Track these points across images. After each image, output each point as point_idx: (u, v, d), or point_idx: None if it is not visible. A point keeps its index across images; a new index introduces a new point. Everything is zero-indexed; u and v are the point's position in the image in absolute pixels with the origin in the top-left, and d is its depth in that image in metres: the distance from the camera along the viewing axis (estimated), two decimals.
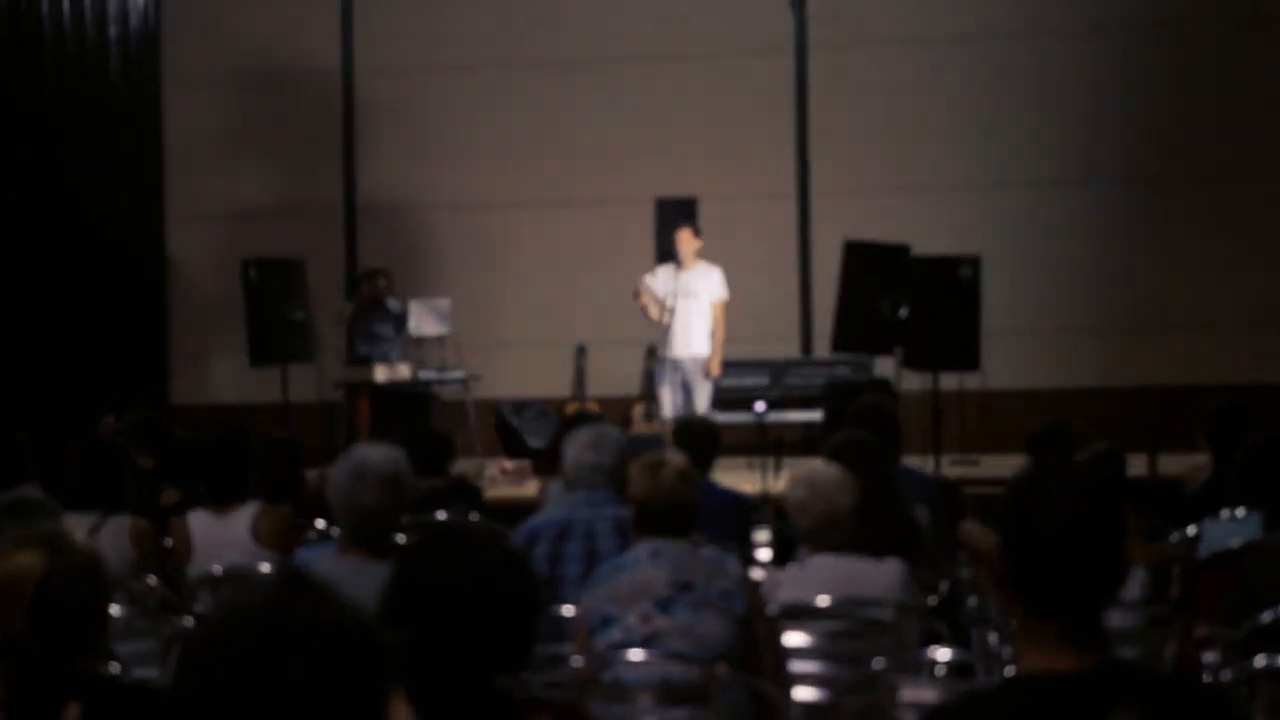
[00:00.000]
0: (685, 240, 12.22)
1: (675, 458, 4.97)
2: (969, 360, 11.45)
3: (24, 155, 15.69)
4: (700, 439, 7.35)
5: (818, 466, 5.35)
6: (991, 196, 14.11)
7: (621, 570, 4.66)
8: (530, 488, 10.42)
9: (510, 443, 13.12)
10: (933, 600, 5.69)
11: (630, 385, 14.38)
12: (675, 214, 13.78)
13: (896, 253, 11.43)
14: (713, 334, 12.24)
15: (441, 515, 7.24)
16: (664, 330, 12.12)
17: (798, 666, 5.03)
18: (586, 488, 5.63)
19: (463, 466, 10.88)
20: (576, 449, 5.68)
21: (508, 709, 2.80)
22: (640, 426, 13.86)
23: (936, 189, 14.18)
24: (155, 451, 8.16)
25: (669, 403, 12.16)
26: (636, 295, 12.27)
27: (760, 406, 10.20)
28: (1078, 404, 12.94)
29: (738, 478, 9.64)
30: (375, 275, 13.72)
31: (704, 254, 12.32)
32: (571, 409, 11.74)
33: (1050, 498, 2.61)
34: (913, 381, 11.58)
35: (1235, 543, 5.85)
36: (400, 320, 13.46)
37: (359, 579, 3.61)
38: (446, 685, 2.72)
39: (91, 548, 3.25)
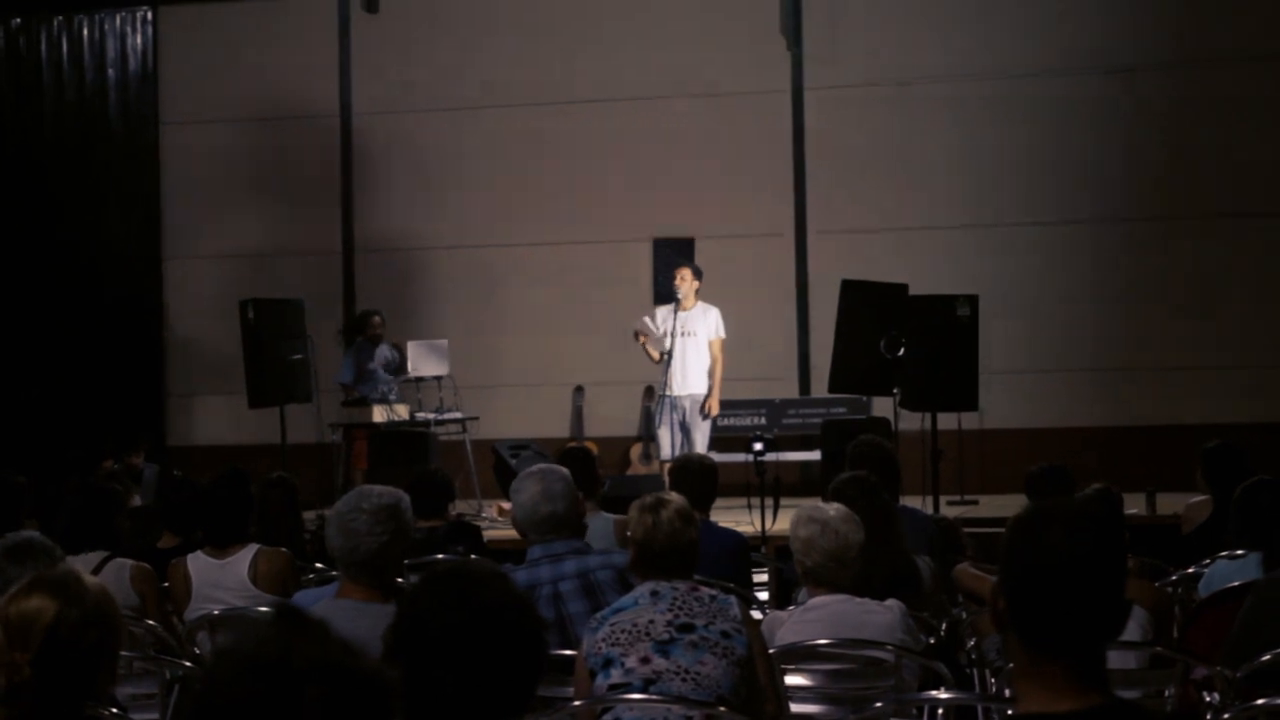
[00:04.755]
0: (684, 280, 12.24)
1: (675, 498, 4.95)
2: (967, 400, 11.43)
3: (22, 196, 15.76)
4: (699, 479, 7.32)
5: (822, 505, 5.33)
6: (989, 235, 14.14)
7: (622, 611, 4.65)
8: None
9: (508, 483, 13.07)
10: (931, 641, 5.68)
11: (628, 426, 14.39)
12: (673, 254, 13.83)
13: (894, 292, 11.44)
14: (711, 372, 12.25)
15: (442, 557, 7.21)
16: (663, 370, 12.13)
17: (798, 708, 5.01)
18: (542, 543, 5.40)
19: (460, 507, 10.88)
20: (527, 500, 5.40)
21: None
22: (638, 467, 13.86)
23: (933, 228, 14.21)
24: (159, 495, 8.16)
25: (668, 443, 12.15)
26: (637, 336, 12.28)
27: (758, 446, 10.18)
28: (1076, 443, 12.95)
29: (736, 518, 9.62)
30: (369, 315, 13.74)
31: (701, 293, 12.35)
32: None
33: (1050, 537, 2.60)
34: (910, 421, 11.58)
35: (1235, 583, 5.84)
36: (397, 361, 13.46)
37: (360, 619, 3.61)
38: None
39: (105, 593, 3.21)
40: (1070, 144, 14.10)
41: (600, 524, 7.20)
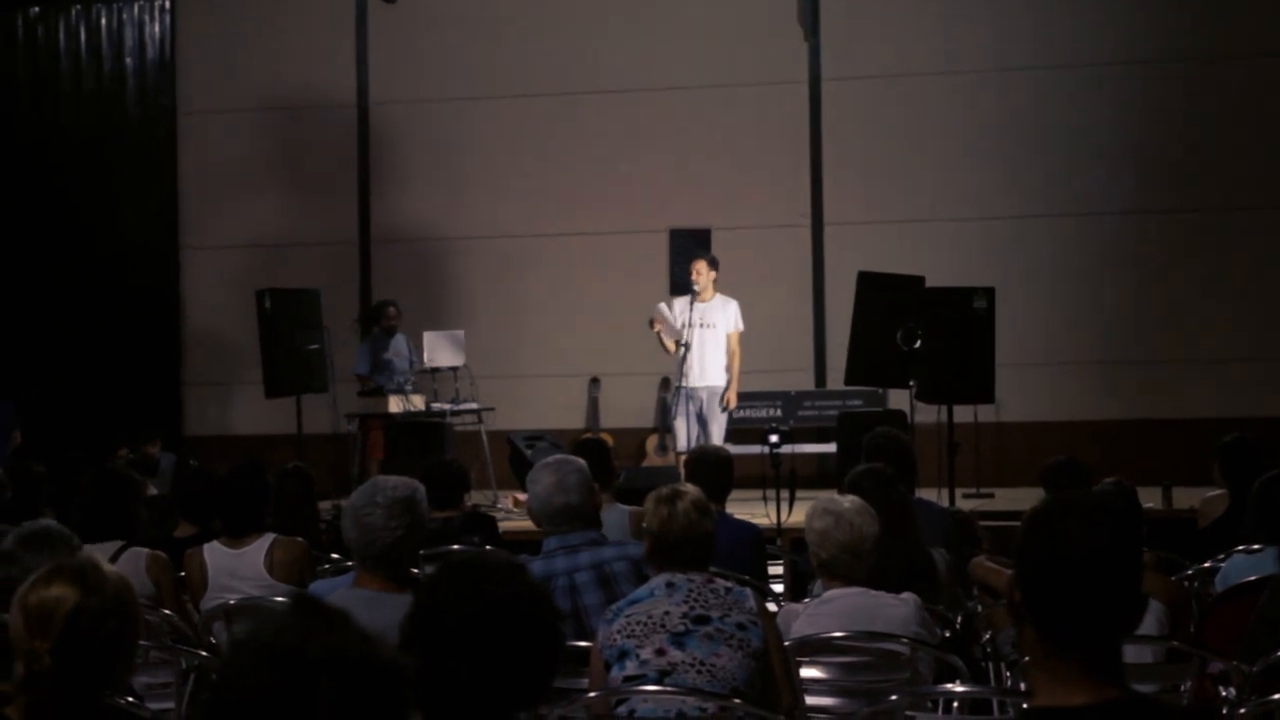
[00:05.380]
0: (701, 271, 12.21)
1: (690, 489, 4.96)
2: (983, 393, 11.43)
3: (39, 184, 15.79)
4: (714, 470, 7.31)
5: (838, 497, 5.33)
6: (1006, 228, 14.12)
7: (637, 603, 4.65)
8: None
9: (523, 474, 13.07)
10: (947, 634, 5.68)
11: (644, 417, 14.39)
12: (689, 244, 13.82)
13: (910, 284, 11.42)
14: (729, 366, 12.22)
15: (457, 548, 7.22)
16: (680, 361, 12.11)
17: (813, 700, 5.01)
18: (558, 534, 5.40)
19: (476, 498, 10.89)
20: (542, 491, 5.40)
21: None
22: (654, 458, 13.86)
23: (950, 220, 14.19)
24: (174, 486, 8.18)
25: (684, 434, 12.14)
26: (653, 324, 12.26)
27: (773, 439, 10.17)
28: (1092, 437, 12.93)
29: (751, 510, 9.63)
30: (384, 305, 13.76)
31: (717, 284, 12.32)
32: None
33: (1067, 531, 2.60)
34: (927, 414, 11.57)
35: (1251, 577, 5.83)
36: (414, 360, 13.47)
37: (376, 609, 3.61)
38: (466, 717, 2.72)
39: (124, 582, 3.22)
40: (1087, 135, 14.08)
41: (616, 515, 7.20)
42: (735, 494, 7.68)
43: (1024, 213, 14.15)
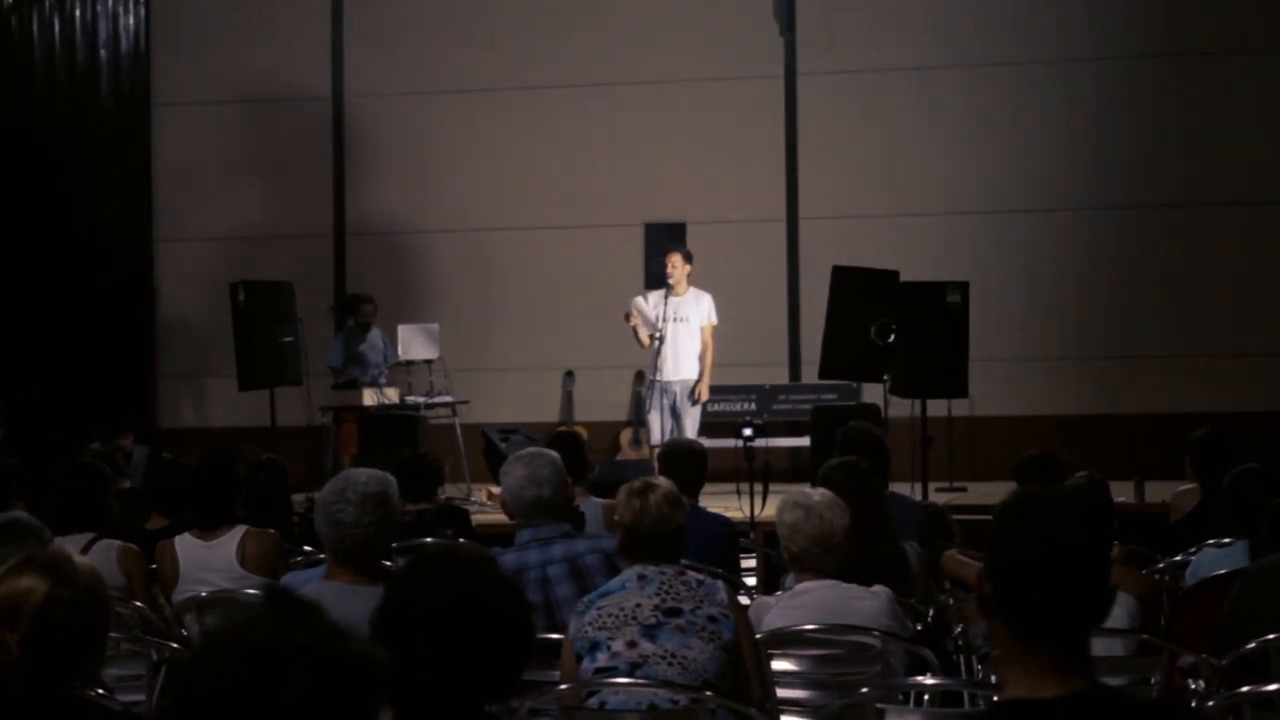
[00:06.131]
0: (676, 265, 12.22)
1: (663, 482, 4.97)
2: (957, 387, 11.46)
3: (13, 177, 15.71)
4: (687, 463, 7.33)
5: (808, 490, 5.35)
6: (981, 223, 14.14)
7: (609, 595, 4.66)
8: None
9: (498, 467, 13.04)
10: (919, 627, 5.70)
11: (618, 410, 14.39)
12: (664, 238, 13.82)
13: (885, 278, 11.45)
14: (702, 358, 12.24)
15: (430, 540, 7.21)
16: (654, 355, 12.12)
17: (784, 693, 5.03)
18: (531, 527, 5.40)
19: (449, 491, 10.89)
20: (514, 484, 5.40)
21: None
22: (628, 452, 13.87)
23: (925, 215, 14.21)
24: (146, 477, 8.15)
25: (658, 428, 12.16)
26: (628, 318, 12.27)
27: (747, 432, 10.17)
28: (1065, 431, 12.96)
29: (725, 504, 9.63)
30: (360, 301, 13.74)
31: (692, 278, 12.33)
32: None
33: (1036, 524, 2.60)
34: (900, 408, 11.59)
35: (1222, 570, 5.86)
36: (390, 355, 13.44)
37: (347, 602, 3.61)
38: (436, 709, 2.72)
39: (96, 574, 3.20)
40: (1061, 131, 14.10)
41: (589, 508, 7.21)
42: (709, 487, 7.69)
43: (998, 208, 14.18)
